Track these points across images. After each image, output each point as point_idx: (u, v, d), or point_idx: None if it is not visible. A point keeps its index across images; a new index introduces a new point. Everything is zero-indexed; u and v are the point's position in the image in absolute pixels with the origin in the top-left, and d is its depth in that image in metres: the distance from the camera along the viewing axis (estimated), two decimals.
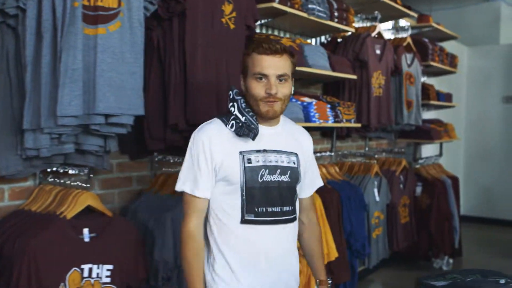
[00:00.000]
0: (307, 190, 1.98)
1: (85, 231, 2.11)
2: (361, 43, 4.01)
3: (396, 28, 5.16)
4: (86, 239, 2.12)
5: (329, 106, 3.44)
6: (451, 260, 5.22)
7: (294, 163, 1.83)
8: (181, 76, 2.51)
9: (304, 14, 3.23)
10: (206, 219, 1.82)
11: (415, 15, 5.16)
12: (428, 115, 6.11)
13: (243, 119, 1.75)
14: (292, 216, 1.84)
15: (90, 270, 2.12)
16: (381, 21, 4.67)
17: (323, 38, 4.30)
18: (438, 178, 5.16)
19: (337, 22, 3.59)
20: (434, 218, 4.99)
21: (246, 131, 1.74)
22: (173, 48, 2.50)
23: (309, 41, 4.05)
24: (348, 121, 3.63)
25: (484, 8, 7.35)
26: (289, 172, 1.80)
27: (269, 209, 1.76)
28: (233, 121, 1.76)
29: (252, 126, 1.74)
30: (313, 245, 2.02)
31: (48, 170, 2.28)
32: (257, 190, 1.74)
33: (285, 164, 1.80)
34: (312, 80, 3.98)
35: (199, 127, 1.81)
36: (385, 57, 4.23)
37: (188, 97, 2.51)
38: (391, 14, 4.68)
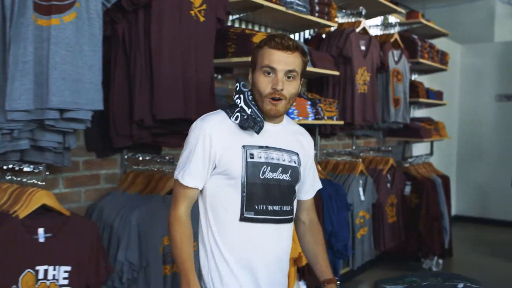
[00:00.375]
0: (309, 192, 1.95)
1: (40, 231, 2.02)
2: (345, 38, 3.92)
3: (384, 24, 5.06)
4: (41, 239, 2.02)
5: (309, 103, 3.35)
6: (440, 261, 5.12)
7: (295, 162, 1.79)
8: (147, 71, 2.42)
9: (282, 8, 3.12)
10: (204, 217, 1.75)
11: (404, 11, 5.06)
12: (419, 113, 6.02)
13: (249, 111, 1.70)
14: (290, 216, 1.80)
15: (46, 271, 2.02)
16: (369, 17, 4.58)
17: (307, 34, 4.22)
18: (427, 177, 5.06)
19: (318, 17, 3.48)
20: (423, 217, 4.89)
21: (251, 123, 1.69)
22: (138, 41, 2.41)
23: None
24: (330, 118, 3.54)
25: (478, 6, 7.25)
26: (290, 171, 1.76)
27: (270, 208, 1.71)
28: (238, 113, 1.71)
29: (258, 119, 1.70)
30: (316, 245, 1.97)
31: (5, 167, 2.19)
32: (258, 187, 1.69)
33: (286, 162, 1.76)
34: None
35: (202, 116, 1.76)
36: (370, 53, 4.13)
37: (154, 92, 2.42)
38: (379, 10, 4.57)
